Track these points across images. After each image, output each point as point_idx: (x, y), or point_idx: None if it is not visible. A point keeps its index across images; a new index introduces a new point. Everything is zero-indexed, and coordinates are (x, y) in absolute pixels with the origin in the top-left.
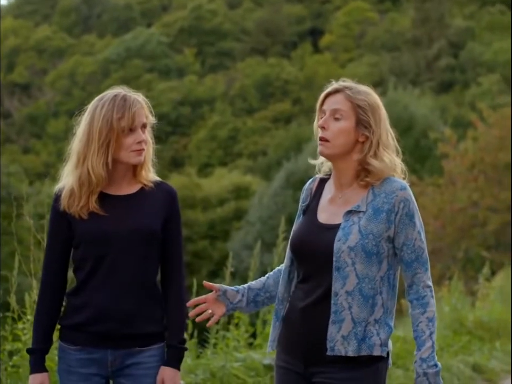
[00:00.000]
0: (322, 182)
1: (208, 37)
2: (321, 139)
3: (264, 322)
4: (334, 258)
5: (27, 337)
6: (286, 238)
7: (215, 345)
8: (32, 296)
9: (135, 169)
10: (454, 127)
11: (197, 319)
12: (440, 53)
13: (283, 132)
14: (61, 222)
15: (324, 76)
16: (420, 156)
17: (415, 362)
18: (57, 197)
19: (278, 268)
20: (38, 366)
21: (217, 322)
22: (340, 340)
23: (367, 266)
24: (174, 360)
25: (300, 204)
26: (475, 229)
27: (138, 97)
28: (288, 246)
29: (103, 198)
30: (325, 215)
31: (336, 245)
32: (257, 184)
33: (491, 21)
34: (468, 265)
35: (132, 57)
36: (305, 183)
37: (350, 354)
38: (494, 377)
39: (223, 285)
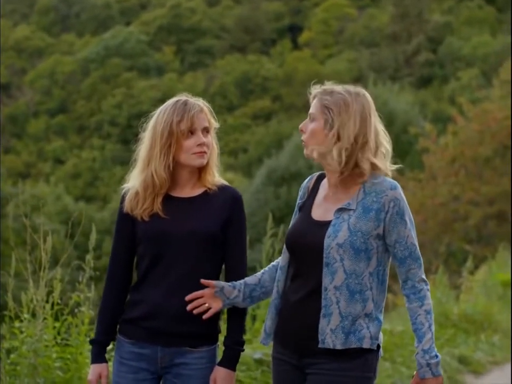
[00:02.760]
0: (319, 179)
1: (187, 34)
2: (302, 141)
3: (254, 318)
4: (324, 255)
5: (24, 335)
6: (273, 235)
7: None
8: (29, 295)
9: (200, 173)
10: (434, 122)
11: (194, 311)
12: (419, 48)
13: (263, 129)
14: (125, 221)
15: (303, 72)
16: (400, 151)
17: (417, 354)
18: (122, 200)
19: (273, 263)
20: (98, 356)
21: None
22: (329, 333)
23: (355, 263)
24: (228, 360)
25: (297, 201)
26: (457, 223)
27: (199, 102)
28: (284, 242)
29: (166, 199)
30: (318, 211)
31: (326, 241)
32: (238, 182)
33: (469, 15)
34: (450, 259)
35: (111, 56)
36: (286, 179)
37: (338, 347)
38: (480, 369)
39: (220, 282)
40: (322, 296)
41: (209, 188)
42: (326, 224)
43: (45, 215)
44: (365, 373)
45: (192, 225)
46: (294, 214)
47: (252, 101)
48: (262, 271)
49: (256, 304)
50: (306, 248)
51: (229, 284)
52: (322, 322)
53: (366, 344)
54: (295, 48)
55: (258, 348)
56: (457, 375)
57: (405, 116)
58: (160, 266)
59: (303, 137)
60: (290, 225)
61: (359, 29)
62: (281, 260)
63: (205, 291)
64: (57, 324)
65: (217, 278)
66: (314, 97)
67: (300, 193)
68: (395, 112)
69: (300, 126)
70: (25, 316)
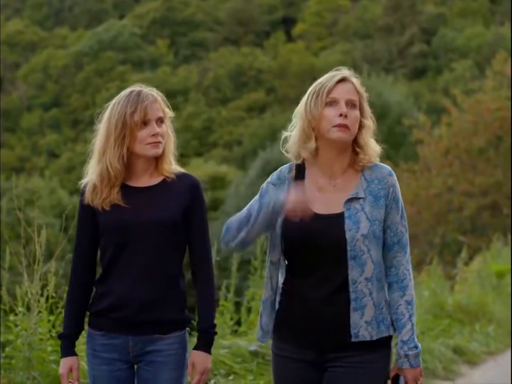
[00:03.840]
0: (299, 171)
1: (181, 27)
2: (343, 126)
3: (249, 310)
4: (349, 248)
5: (19, 329)
6: None
7: None
8: (23, 288)
9: (157, 162)
10: (428, 113)
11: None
12: (413, 40)
13: (258, 121)
14: (86, 214)
15: (297, 64)
16: (394, 143)
17: (396, 344)
18: (83, 192)
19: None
20: (67, 350)
21: None
22: (364, 326)
23: (378, 251)
24: (205, 344)
25: (280, 191)
26: (451, 214)
27: (153, 92)
28: (282, 237)
29: (125, 190)
30: (320, 205)
31: (348, 234)
32: (233, 174)
33: (463, 6)
34: (445, 250)
35: (104, 50)
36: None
37: (374, 337)
38: (475, 359)
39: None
40: (351, 290)
41: (167, 177)
42: (337, 217)
43: (39, 209)
44: (390, 360)
45: (152, 214)
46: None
47: (246, 94)
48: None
49: (251, 296)
50: (319, 244)
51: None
52: (354, 316)
53: (391, 331)
54: (288, 40)
55: (253, 340)
56: (452, 365)
57: (399, 108)
58: (124, 256)
59: (347, 122)
60: (284, 222)
61: (353, 20)
62: (271, 255)
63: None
64: (52, 317)
65: (181, 265)
66: (345, 80)
67: (285, 185)
68: (389, 103)
69: (343, 110)
70: (20, 309)
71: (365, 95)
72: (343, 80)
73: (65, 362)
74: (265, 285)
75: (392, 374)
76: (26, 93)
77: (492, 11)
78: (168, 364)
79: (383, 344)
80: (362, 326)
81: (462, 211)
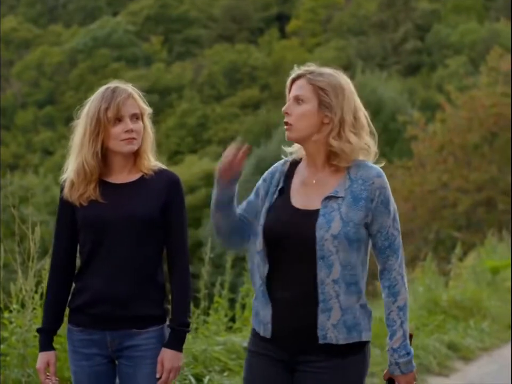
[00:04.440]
0: (293, 165)
1: (175, 24)
2: (285, 124)
3: (243, 306)
4: (317, 247)
5: (13, 326)
6: None
7: (196, 329)
8: (18, 285)
9: (135, 159)
10: (422, 110)
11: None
12: (407, 36)
13: (252, 118)
14: (66, 210)
15: (291, 61)
16: (389, 139)
17: (388, 350)
18: (62, 188)
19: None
20: (45, 344)
21: (197, 308)
22: (331, 328)
23: (349, 254)
24: (174, 342)
25: (270, 185)
26: (445, 210)
27: (128, 88)
28: (261, 228)
29: (103, 186)
30: (299, 199)
31: (318, 233)
32: None
33: (456, 3)
34: (440, 246)
35: (99, 47)
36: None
37: (341, 342)
38: (470, 355)
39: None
40: (319, 291)
41: (145, 173)
42: (313, 213)
43: (34, 206)
44: (364, 367)
45: (129, 210)
46: (268, 196)
47: (240, 90)
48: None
49: (246, 292)
50: (291, 240)
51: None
52: (322, 318)
53: (365, 337)
54: (283, 37)
55: (247, 336)
56: (447, 361)
57: (393, 104)
58: (101, 252)
59: (289, 119)
60: (266, 212)
61: (347, 17)
62: (255, 245)
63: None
64: (42, 315)
65: (159, 261)
66: (297, 79)
67: (276, 175)
68: (383, 100)
69: (284, 108)
70: (14, 306)
71: (331, 90)
72: (297, 77)
73: (42, 357)
74: (255, 275)
75: (385, 376)
76: (21, 90)
77: (486, 7)
78: (146, 358)
79: (356, 350)
80: (329, 329)
81: (456, 207)
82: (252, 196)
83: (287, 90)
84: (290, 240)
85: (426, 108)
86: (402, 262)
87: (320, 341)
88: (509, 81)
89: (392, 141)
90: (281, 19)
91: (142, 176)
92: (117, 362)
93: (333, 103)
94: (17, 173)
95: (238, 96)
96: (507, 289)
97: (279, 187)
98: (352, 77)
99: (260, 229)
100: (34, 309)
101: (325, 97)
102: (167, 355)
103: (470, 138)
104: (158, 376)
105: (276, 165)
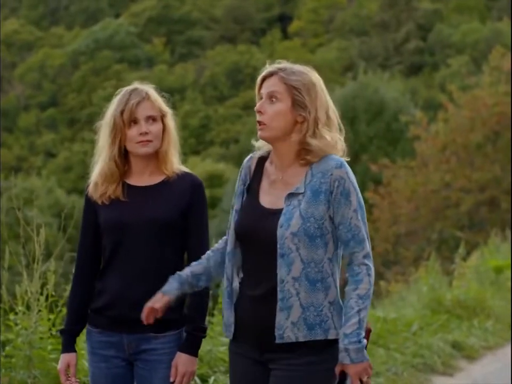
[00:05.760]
0: (261, 160)
1: (177, 25)
2: (259, 123)
3: None
4: (278, 245)
5: (19, 327)
6: None
7: None
8: (23, 287)
9: (157, 161)
10: (424, 110)
11: (146, 322)
12: (409, 36)
13: (254, 119)
14: (90, 210)
15: (293, 61)
16: (391, 139)
17: (339, 337)
18: (87, 188)
19: (217, 246)
20: (67, 346)
21: None
22: (290, 327)
23: (312, 250)
24: (189, 346)
25: (239, 183)
26: (448, 210)
27: (145, 89)
28: (232, 229)
29: (125, 188)
30: (267, 198)
31: (279, 232)
32: (230, 172)
33: (458, 2)
34: (443, 246)
35: (101, 49)
36: None
37: (301, 339)
38: (474, 354)
39: (173, 292)
40: (279, 289)
41: (168, 176)
42: (278, 212)
43: (37, 209)
44: (333, 365)
45: (150, 213)
46: (237, 197)
47: (243, 91)
48: (206, 256)
49: None
50: (259, 240)
51: (178, 286)
52: (280, 316)
53: (331, 335)
54: (285, 37)
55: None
56: (451, 361)
57: (396, 104)
58: (121, 254)
59: (262, 118)
60: (236, 211)
61: (349, 17)
62: (227, 245)
63: (160, 306)
64: (52, 316)
65: (180, 264)
66: (269, 76)
67: (241, 174)
68: (386, 100)
69: (257, 107)
70: (20, 308)
71: (304, 89)
72: (269, 75)
73: (64, 358)
74: (224, 276)
75: (337, 369)
76: (23, 93)
77: (488, 7)
78: (163, 362)
79: (324, 347)
80: (288, 327)
81: (459, 207)
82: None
83: (257, 89)
84: (257, 240)
85: (429, 107)
86: (368, 254)
87: (277, 340)
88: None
89: (394, 141)
90: (283, 20)
91: (165, 179)
92: (134, 365)
93: (306, 101)
94: (21, 175)
95: (241, 97)
96: (510, 288)
97: (246, 186)
98: (354, 77)
99: (230, 230)
100: (39, 310)
101: (298, 96)
102: (181, 359)
103: (473, 137)
104: (172, 380)
105: (244, 161)
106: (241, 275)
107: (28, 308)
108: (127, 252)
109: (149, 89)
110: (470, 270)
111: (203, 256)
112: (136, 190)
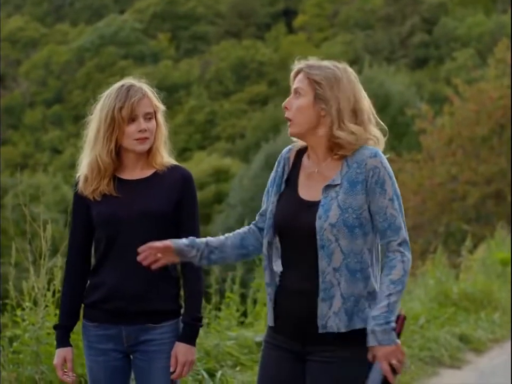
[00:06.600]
0: (300, 153)
1: (182, 21)
2: (287, 119)
3: (254, 301)
4: (318, 237)
5: (26, 323)
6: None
7: (208, 324)
8: (30, 283)
9: (148, 155)
10: (430, 103)
11: (144, 263)
12: (414, 30)
13: (260, 114)
14: (80, 205)
15: (298, 56)
16: (397, 133)
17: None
18: (76, 183)
19: (238, 231)
20: (62, 341)
21: (209, 303)
22: (332, 317)
23: (352, 241)
24: (187, 336)
25: (276, 174)
26: (455, 203)
27: (142, 86)
28: (270, 221)
29: (117, 182)
30: (305, 190)
31: (318, 223)
32: (236, 167)
33: None
34: (449, 239)
35: (106, 45)
36: None
37: (342, 330)
38: (481, 347)
39: (179, 242)
40: (320, 280)
41: (158, 169)
42: (316, 204)
43: (44, 205)
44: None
45: (142, 206)
46: (274, 188)
47: (248, 86)
48: (226, 235)
49: (257, 287)
50: (298, 231)
51: (188, 243)
52: (322, 306)
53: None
54: (290, 32)
55: (259, 330)
56: (458, 353)
57: (401, 98)
58: (115, 248)
59: (288, 114)
60: (274, 203)
61: (354, 11)
62: (264, 236)
63: (160, 247)
64: (58, 311)
65: None
66: (298, 73)
67: (280, 165)
68: (391, 94)
69: (284, 103)
70: (27, 304)
71: (325, 83)
72: (298, 71)
73: (60, 353)
74: (265, 267)
75: (370, 356)
76: (29, 90)
77: None
78: (162, 352)
79: (362, 339)
80: (331, 317)
81: (466, 200)
82: (263, 203)
83: (291, 84)
84: (297, 232)
85: (435, 101)
86: (404, 241)
87: (320, 330)
88: None
89: (400, 135)
90: (288, 14)
91: (155, 172)
92: (131, 357)
93: (327, 95)
94: (27, 172)
95: (246, 92)
96: None
97: (285, 178)
98: (359, 71)
99: (270, 221)
100: (46, 306)
101: (319, 90)
102: (180, 349)
103: (479, 130)
104: (172, 370)
105: (282, 152)
106: (280, 267)
107: (35, 303)
108: (122, 245)
109: (145, 85)
110: (477, 262)
111: (222, 235)
112: (127, 184)
